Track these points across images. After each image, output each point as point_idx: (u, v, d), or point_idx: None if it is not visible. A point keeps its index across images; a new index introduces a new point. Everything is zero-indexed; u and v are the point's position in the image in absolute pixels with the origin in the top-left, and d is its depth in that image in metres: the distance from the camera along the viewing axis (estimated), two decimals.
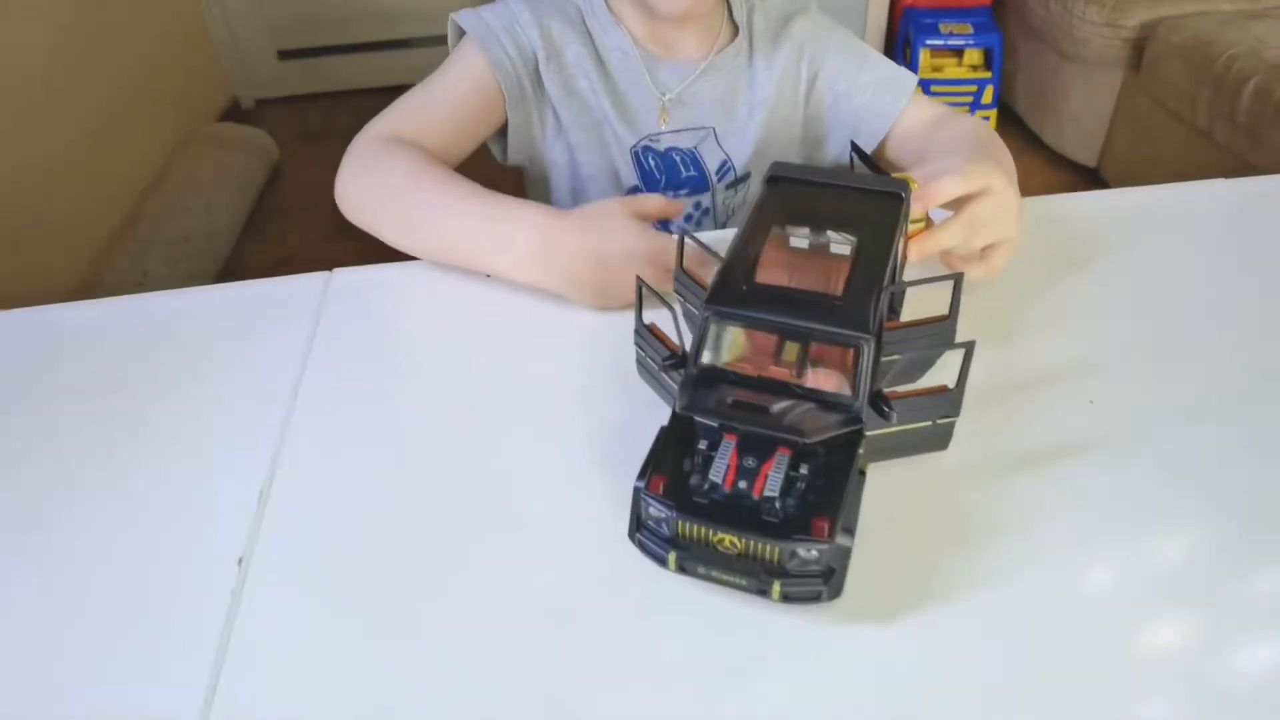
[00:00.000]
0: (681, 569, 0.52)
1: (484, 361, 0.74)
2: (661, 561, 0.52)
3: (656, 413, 0.59)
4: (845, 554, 0.50)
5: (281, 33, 3.01)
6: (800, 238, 0.62)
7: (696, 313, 0.60)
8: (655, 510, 0.52)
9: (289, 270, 0.85)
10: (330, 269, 0.84)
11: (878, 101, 0.96)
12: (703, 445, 0.54)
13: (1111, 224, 0.86)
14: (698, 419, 0.54)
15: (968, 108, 2.58)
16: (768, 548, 0.50)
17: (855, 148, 0.80)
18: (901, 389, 0.57)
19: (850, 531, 0.51)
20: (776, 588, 0.50)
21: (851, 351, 0.54)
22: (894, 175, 0.70)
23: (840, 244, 0.61)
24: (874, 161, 0.76)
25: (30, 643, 0.55)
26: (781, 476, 0.51)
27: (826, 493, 0.51)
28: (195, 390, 0.73)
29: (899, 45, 2.78)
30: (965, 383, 0.56)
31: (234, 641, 0.54)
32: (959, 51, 2.61)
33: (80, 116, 2.08)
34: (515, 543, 0.59)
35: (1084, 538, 0.57)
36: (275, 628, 0.55)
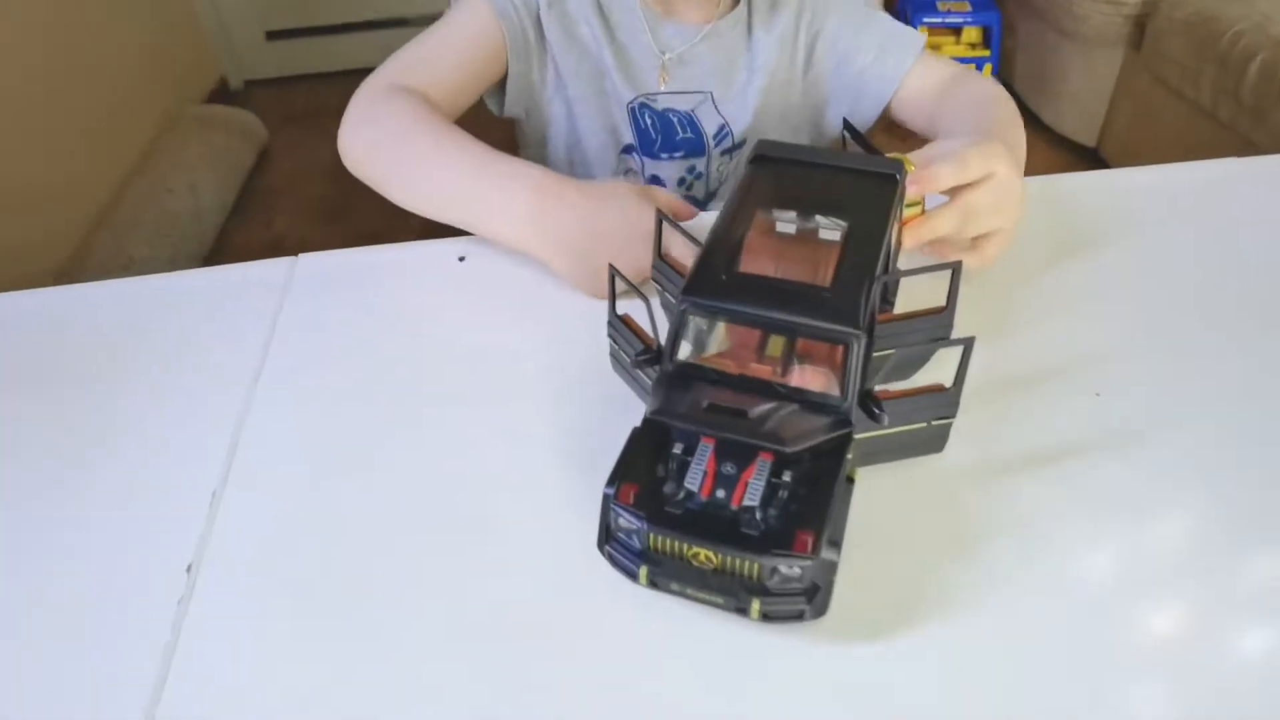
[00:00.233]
0: (653, 584, 0.48)
1: (453, 354, 0.69)
2: (632, 576, 0.48)
3: (634, 408, 0.56)
4: (831, 569, 0.46)
5: (269, 12, 2.95)
6: (787, 222, 0.58)
7: (674, 302, 0.56)
8: (625, 521, 0.48)
9: (278, 254, 0.81)
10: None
11: (881, 63, 0.93)
12: (678, 449, 0.50)
13: (1116, 205, 0.82)
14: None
15: None
16: (747, 563, 0.46)
17: (847, 125, 0.75)
18: (893, 388, 0.53)
19: (836, 545, 0.47)
20: (756, 606, 0.46)
21: (840, 348, 0.50)
22: (888, 155, 0.66)
23: (830, 229, 0.57)
24: (867, 140, 0.72)
25: None
26: (763, 484, 0.47)
27: (811, 502, 0.47)
28: (146, 383, 0.69)
29: None
30: (963, 382, 0.52)
31: (179, 656, 0.50)
32: (957, 29, 2.56)
33: (63, 97, 2.04)
34: (482, 550, 0.55)
35: (1094, 543, 0.53)
36: (225, 642, 0.51)
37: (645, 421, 0.51)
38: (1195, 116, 2.06)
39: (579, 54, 0.93)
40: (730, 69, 0.96)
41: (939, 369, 0.55)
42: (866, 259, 0.54)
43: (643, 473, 0.49)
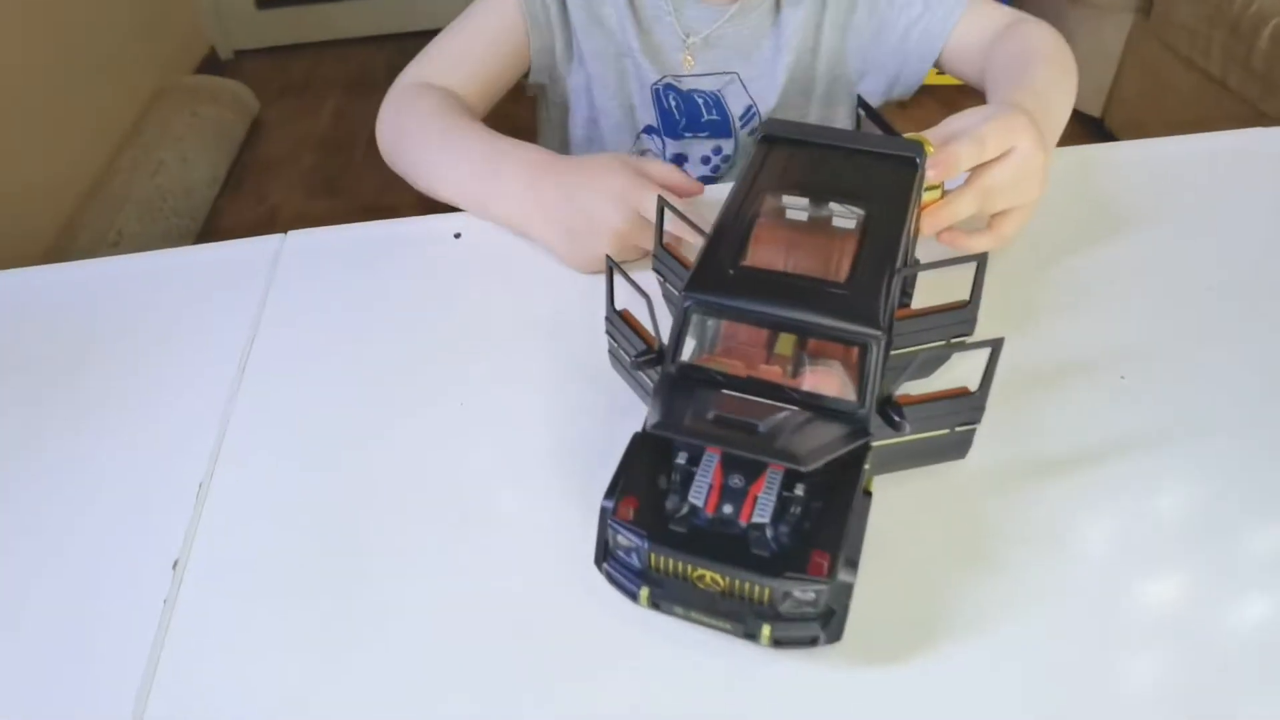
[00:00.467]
0: (655, 606, 0.44)
1: (446, 342, 0.66)
2: (632, 597, 0.44)
3: (635, 407, 0.52)
4: (847, 591, 0.43)
5: None
6: (798, 209, 0.53)
7: (676, 295, 0.52)
8: (624, 538, 0.44)
9: (272, 230, 0.78)
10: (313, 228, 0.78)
11: (928, 17, 0.88)
12: (681, 459, 0.46)
13: (1136, 179, 0.78)
14: None
15: None
16: (757, 587, 0.42)
17: (862, 102, 0.71)
18: (914, 391, 0.49)
19: (853, 564, 0.43)
20: (766, 632, 0.42)
21: (857, 350, 0.46)
22: (907, 136, 0.62)
23: (844, 217, 0.53)
24: (884, 120, 0.67)
25: None
26: (773, 499, 0.43)
27: (826, 518, 0.43)
28: (130, 369, 0.66)
29: None
30: (990, 385, 0.48)
31: (165, 656, 0.48)
32: None
33: (48, 67, 2.00)
34: (475, 551, 0.52)
35: (1133, 556, 0.50)
36: (212, 640, 0.49)
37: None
38: (1204, 85, 2.02)
39: (603, 35, 0.92)
40: (757, 47, 0.93)
41: (957, 364, 0.52)
42: (885, 251, 0.50)
43: (643, 485, 0.45)
